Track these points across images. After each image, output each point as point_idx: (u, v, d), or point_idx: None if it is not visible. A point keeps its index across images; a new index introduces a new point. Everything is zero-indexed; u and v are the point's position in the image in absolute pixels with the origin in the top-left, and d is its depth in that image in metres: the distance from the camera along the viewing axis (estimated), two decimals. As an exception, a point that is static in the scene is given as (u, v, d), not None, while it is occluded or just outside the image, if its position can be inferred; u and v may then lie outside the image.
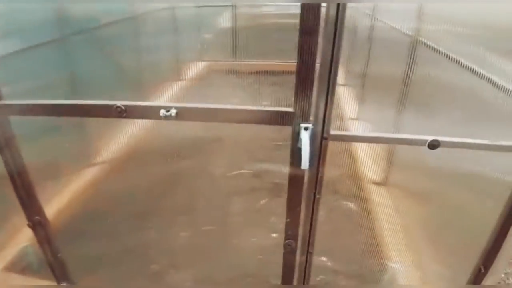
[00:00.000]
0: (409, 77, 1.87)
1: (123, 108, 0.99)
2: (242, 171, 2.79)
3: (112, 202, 2.07)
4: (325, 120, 0.94)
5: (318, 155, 0.98)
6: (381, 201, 2.05)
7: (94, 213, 2.04)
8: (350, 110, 3.12)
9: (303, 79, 0.87)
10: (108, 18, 2.71)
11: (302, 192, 1.03)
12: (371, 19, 2.92)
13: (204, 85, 4.71)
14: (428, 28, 1.86)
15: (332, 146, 0.99)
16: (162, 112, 0.96)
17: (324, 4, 0.78)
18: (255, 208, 2.40)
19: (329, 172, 1.04)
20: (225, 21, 5.30)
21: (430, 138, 0.93)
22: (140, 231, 2.18)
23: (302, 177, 1.01)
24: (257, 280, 1.86)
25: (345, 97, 3.79)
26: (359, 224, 2.03)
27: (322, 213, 1.11)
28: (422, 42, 1.83)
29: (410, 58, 1.99)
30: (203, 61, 5.49)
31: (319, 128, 0.95)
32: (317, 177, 1.01)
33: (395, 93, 1.99)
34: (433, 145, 0.94)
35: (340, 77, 4.31)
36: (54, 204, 2.00)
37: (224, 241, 2.10)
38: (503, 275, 2.12)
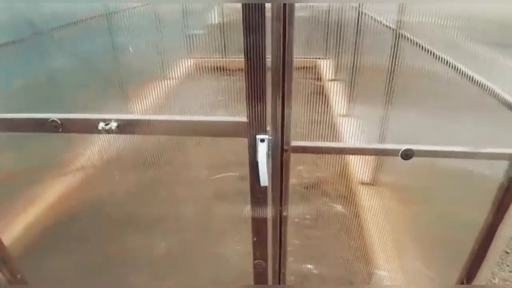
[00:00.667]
0: (394, 72, 1.76)
1: (59, 122, 0.88)
2: (228, 173, 2.68)
3: (82, 215, 1.96)
4: (284, 130, 0.83)
5: (280, 168, 0.87)
6: (369, 203, 1.94)
7: (61, 229, 1.93)
8: (340, 107, 3.01)
9: (253, 84, 0.75)
10: (80, 15, 2.57)
11: (267, 210, 0.92)
12: (358, 13, 2.79)
13: (190, 84, 4.55)
14: (411, 21, 1.75)
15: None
16: (101, 125, 0.85)
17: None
18: (241, 215, 2.29)
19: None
20: (212, 17, 5.16)
21: (403, 147, 0.82)
22: (114, 246, 2.08)
23: (265, 193, 0.91)
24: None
25: (335, 92, 3.67)
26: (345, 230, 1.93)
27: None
28: (404, 36, 1.72)
29: (394, 52, 1.89)
30: (191, 58, 5.34)
31: (278, 138, 0.84)
32: (281, 193, 0.90)
33: (384, 89, 1.88)
34: (407, 154, 0.83)
35: (330, 72, 4.20)
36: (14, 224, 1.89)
37: (206, 250, 1.99)
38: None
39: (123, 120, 0.84)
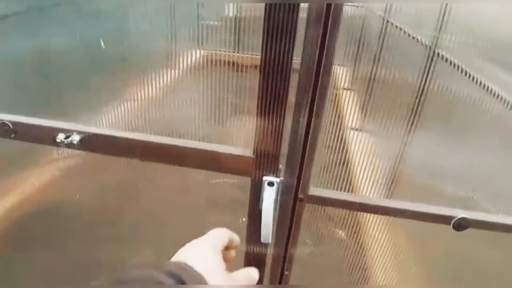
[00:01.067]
0: (423, 89, 1.55)
1: (10, 126, 0.67)
2: (224, 179, 2.47)
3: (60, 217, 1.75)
4: (303, 170, 0.62)
5: (290, 220, 0.66)
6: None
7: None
8: (353, 119, 2.79)
9: (269, 107, 0.54)
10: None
11: (264, 269, 0.71)
12: (383, 21, 2.58)
13: (198, 77, 4.32)
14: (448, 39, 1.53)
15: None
16: (60, 137, 0.64)
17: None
18: (236, 225, 2.08)
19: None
20: (228, 8, 4.95)
21: (457, 214, 0.61)
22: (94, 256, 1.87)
23: (264, 253, 0.69)
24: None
25: (348, 103, 3.46)
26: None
27: None
28: (439, 54, 1.51)
29: (425, 69, 1.66)
30: (202, 50, 5.10)
31: (293, 183, 0.62)
32: (285, 252, 0.69)
33: (405, 105, 1.66)
34: (460, 224, 0.62)
35: (345, 81, 3.97)
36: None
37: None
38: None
39: (89, 133, 0.63)
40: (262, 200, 0.60)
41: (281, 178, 0.61)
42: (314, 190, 0.64)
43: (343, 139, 1.02)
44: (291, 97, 0.57)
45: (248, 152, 0.59)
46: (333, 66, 0.60)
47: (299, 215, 0.65)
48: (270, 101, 0.54)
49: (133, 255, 1.82)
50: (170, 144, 0.60)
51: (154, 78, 0.95)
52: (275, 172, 0.60)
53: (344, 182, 0.88)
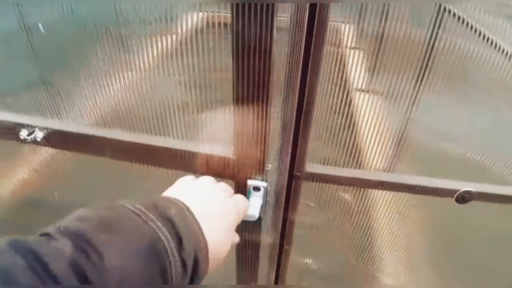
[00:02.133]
0: (432, 47, 1.45)
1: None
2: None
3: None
4: (298, 148, 0.55)
5: (286, 197, 0.60)
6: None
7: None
8: (359, 80, 2.67)
9: (247, 85, 0.46)
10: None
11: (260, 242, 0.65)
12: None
13: (198, 41, 4.13)
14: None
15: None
16: (23, 134, 0.57)
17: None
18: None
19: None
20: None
21: (459, 188, 0.56)
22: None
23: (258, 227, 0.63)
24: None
25: (355, 63, 3.31)
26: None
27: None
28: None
29: (435, 23, 1.54)
30: (201, 11, 4.85)
31: (287, 160, 0.56)
32: (283, 233, 0.64)
33: (414, 64, 1.55)
34: (464, 197, 0.57)
35: (351, 39, 3.78)
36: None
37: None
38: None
39: (53, 129, 0.56)
40: (248, 206, 0.53)
41: (267, 184, 0.54)
42: (311, 167, 0.58)
43: (349, 101, 0.95)
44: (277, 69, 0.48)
45: (228, 152, 0.51)
46: (338, 24, 0.52)
47: (296, 194, 0.59)
48: (249, 76, 0.44)
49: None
50: (141, 143, 0.53)
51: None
52: (260, 172, 0.52)
53: (350, 147, 0.81)
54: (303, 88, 0.51)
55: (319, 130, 0.63)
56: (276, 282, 0.80)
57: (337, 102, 0.73)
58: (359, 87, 1.02)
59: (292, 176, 0.59)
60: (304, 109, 0.52)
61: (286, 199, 0.62)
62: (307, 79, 0.50)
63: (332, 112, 0.82)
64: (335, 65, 0.72)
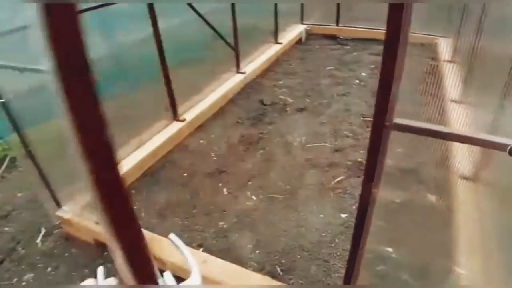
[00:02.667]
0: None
1: None
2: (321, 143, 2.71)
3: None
4: (389, 103, 0.83)
5: (376, 144, 0.87)
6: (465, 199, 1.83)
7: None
8: (454, 91, 2.78)
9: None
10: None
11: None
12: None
13: (301, 51, 4.60)
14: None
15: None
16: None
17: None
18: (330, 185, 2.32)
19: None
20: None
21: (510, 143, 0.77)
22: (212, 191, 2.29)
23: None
24: (312, 256, 1.83)
25: (450, 75, 3.38)
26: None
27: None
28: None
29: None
30: (303, 24, 5.30)
31: (381, 110, 0.84)
32: (375, 168, 0.91)
33: (504, 79, 1.70)
34: None
35: (448, 53, 3.84)
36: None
37: (289, 212, 2.09)
38: None
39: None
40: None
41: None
42: (398, 120, 0.85)
43: (443, 111, 1.22)
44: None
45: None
46: (437, 38, 0.78)
47: (385, 140, 0.86)
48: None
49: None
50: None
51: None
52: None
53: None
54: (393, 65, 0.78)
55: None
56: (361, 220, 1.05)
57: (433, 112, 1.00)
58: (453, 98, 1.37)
59: (383, 124, 0.86)
60: (395, 75, 0.79)
61: (377, 143, 0.89)
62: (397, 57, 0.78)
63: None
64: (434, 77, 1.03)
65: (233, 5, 3.35)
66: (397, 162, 2.24)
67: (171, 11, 2.62)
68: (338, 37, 5.09)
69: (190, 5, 2.75)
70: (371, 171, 0.93)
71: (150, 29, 2.42)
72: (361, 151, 2.57)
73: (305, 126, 2.97)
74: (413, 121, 0.88)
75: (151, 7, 2.37)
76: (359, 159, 2.48)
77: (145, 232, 1.87)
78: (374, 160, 0.91)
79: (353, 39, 4.98)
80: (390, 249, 1.78)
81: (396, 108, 0.86)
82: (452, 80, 2.82)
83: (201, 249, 1.88)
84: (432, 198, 2.07)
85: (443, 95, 2.66)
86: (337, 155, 2.56)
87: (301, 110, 3.23)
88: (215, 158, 2.62)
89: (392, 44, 0.75)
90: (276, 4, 4.32)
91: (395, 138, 0.89)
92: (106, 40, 2.29)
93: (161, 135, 2.70)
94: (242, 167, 2.51)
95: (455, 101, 2.59)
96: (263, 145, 2.74)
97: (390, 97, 0.82)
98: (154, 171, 2.50)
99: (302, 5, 5.27)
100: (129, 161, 2.42)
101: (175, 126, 2.81)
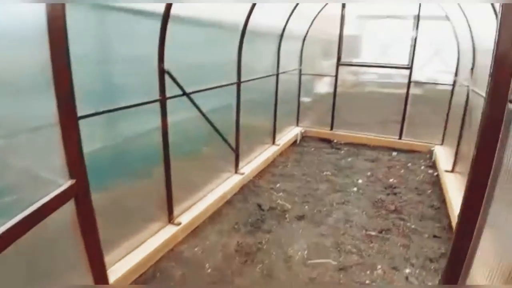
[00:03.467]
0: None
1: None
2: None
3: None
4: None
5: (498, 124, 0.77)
6: None
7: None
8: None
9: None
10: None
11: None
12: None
13: (297, 153, 4.61)
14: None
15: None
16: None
17: None
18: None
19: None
20: (324, 86, 5.25)
21: None
22: None
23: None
24: None
25: (452, 187, 3.36)
26: None
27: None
28: None
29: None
30: (298, 126, 5.42)
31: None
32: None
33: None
34: None
35: (447, 163, 3.85)
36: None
37: None
38: None
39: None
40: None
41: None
42: None
43: None
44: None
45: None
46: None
47: (508, 120, 0.74)
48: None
49: None
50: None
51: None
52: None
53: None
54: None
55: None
56: None
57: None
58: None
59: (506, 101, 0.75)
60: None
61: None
62: None
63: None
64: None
65: (238, 107, 3.41)
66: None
67: (178, 107, 2.61)
68: (332, 141, 5.22)
69: (195, 105, 2.76)
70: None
71: (154, 123, 2.40)
72: (367, 272, 2.40)
73: (306, 237, 2.79)
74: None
75: (163, 104, 2.37)
76: (367, 281, 2.30)
77: None
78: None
79: (346, 144, 5.10)
80: None
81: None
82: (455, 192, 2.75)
83: None
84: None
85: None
86: (342, 275, 2.38)
87: (300, 218, 3.08)
88: (209, 271, 2.39)
89: None
90: (276, 107, 4.44)
91: None
92: (109, 131, 2.21)
93: (154, 240, 2.47)
94: (240, 284, 2.28)
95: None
96: (261, 257, 2.52)
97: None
98: (143, 282, 2.26)
99: (298, 108, 5.47)
100: (117, 270, 2.18)
101: (169, 231, 2.60)
